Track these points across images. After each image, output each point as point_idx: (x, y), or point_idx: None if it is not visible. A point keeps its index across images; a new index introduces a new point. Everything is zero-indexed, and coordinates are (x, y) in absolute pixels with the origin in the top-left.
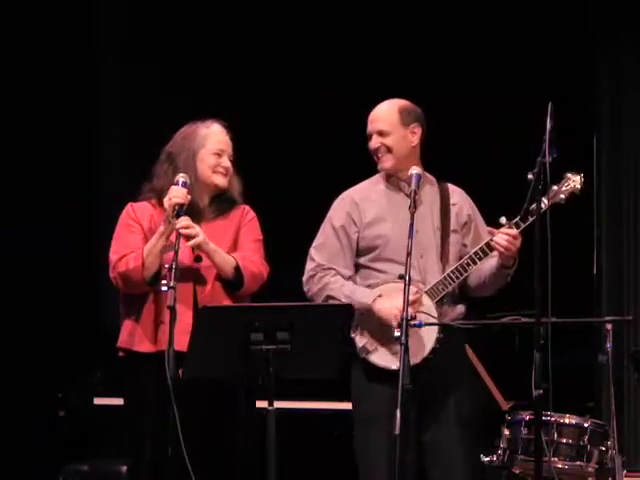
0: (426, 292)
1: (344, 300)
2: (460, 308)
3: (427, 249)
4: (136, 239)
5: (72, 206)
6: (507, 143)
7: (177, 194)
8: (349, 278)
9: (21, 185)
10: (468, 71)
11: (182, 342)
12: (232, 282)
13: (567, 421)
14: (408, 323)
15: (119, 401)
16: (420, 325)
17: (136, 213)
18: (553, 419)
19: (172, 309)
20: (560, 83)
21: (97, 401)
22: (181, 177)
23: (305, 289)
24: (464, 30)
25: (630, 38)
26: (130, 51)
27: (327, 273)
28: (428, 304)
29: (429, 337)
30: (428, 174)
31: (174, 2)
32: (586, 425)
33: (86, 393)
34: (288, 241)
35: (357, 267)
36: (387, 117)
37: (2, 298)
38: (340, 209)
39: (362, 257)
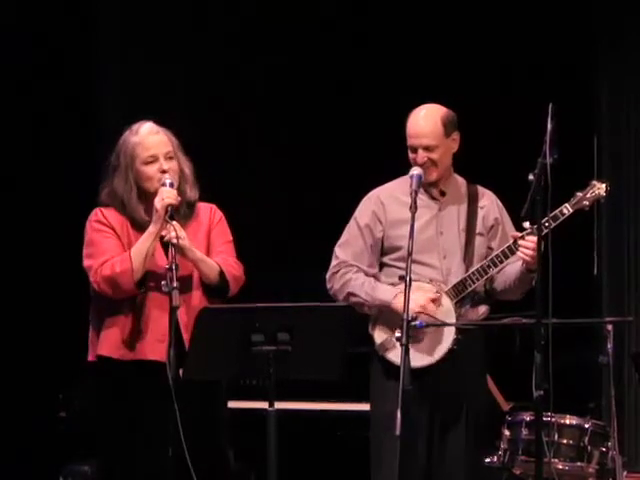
0: (446, 293)
1: (364, 297)
2: (482, 309)
3: (451, 251)
4: (113, 244)
5: (72, 207)
6: (507, 144)
7: (169, 195)
8: (373, 276)
9: (21, 186)
10: (469, 71)
11: (157, 351)
12: (216, 287)
13: (568, 422)
14: (408, 323)
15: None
16: (421, 325)
17: (107, 218)
18: (554, 420)
19: (175, 309)
20: (561, 84)
21: None
22: (167, 179)
23: (328, 286)
24: (465, 30)
25: (632, 39)
26: (130, 51)
27: (349, 270)
28: (447, 305)
29: (446, 337)
30: (458, 176)
31: (174, 2)
32: (587, 426)
33: (87, 393)
34: (289, 241)
35: (381, 266)
36: (433, 131)
37: (3, 298)
38: (366, 208)
39: (386, 256)
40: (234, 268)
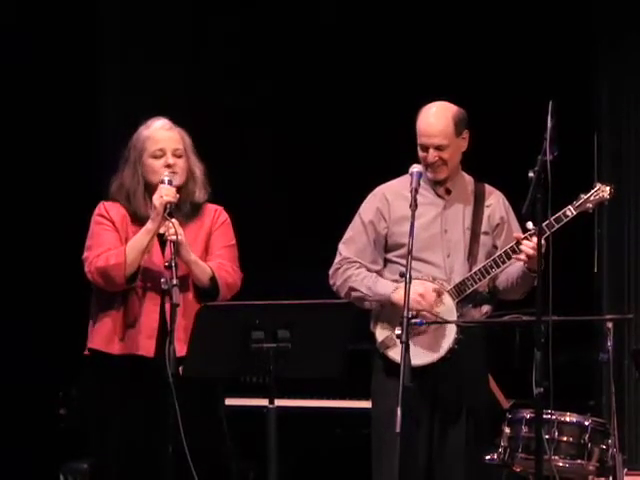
0: (448, 292)
1: (365, 291)
2: (484, 308)
3: (455, 249)
4: (111, 237)
5: (72, 207)
6: (507, 143)
7: (168, 192)
8: (376, 272)
9: (21, 186)
10: (469, 71)
11: (146, 347)
12: (206, 291)
13: (568, 419)
14: (409, 321)
15: None
16: (421, 324)
17: (108, 211)
18: (554, 417)
19: (175, 307)
20: (561, 83)
21: None
22: (166, 176)
23: (331, 282)
24: (465, 30)
25: (632, 39)
26: (130, 51)
27: (351, 266)
28: (449, 304)
29: (447, 337)
30: (466, 175)
31: (174, 2)
32: (587, 423)
33: (82, 388)
34: (289, 241)
35: (385, 262)
36: (444, 131)
37: (4, 297)
38: (371, 204)
39: (390, 253)
40: (229, 275)
